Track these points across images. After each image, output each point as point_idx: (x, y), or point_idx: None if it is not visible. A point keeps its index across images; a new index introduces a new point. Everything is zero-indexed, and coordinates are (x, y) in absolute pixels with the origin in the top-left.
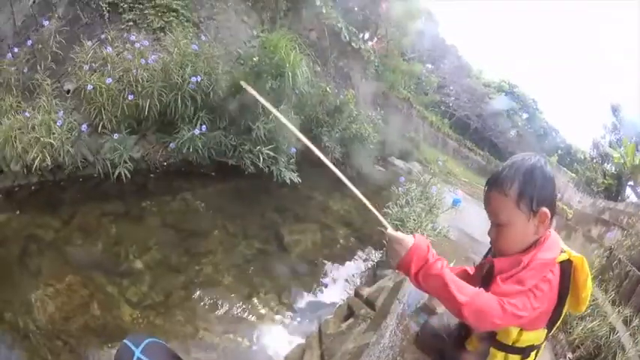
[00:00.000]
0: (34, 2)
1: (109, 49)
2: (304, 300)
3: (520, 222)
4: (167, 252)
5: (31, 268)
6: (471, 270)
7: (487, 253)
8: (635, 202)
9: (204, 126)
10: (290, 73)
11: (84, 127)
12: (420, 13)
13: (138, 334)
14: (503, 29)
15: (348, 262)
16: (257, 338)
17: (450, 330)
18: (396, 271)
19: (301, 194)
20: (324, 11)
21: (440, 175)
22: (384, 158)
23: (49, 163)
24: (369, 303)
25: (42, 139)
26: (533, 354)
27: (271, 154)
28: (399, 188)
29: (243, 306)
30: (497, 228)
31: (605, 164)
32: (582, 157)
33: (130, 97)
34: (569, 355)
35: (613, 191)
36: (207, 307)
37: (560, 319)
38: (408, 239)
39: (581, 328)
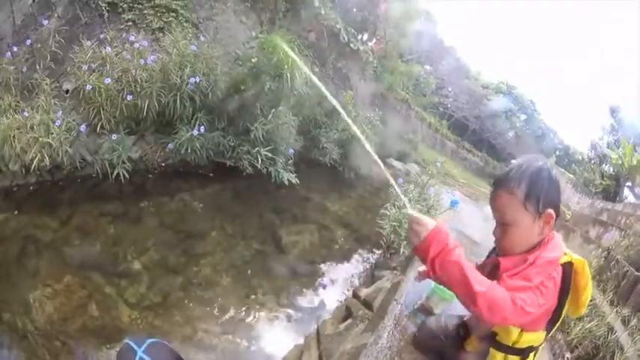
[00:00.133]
0: (33, 1)
1: (108, 49)
2: (302, 301)
3: (526, 222)
4: (165, 253)
5: (30, 269)
6: None
7: (490, 253)
8: (633, 203)
9: (202, 127)
10: (288, 74)
11: (82, 127)
12: (419, 13)
13: (139, 334)
14: (502, 30)
15: (346, 263)
16: (255, 339)
17: (448, 331)
18: (413, 254)
19: (299, 195)
20: (322, 12)
21: (438, 177)
22: (382, 159)
23: (48, 163)
24: (367, 304)
25: (40, 139)
26: (531, 355)
27: (269, 155)
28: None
29: (242, 307)
30: (503, 227)
31: (603, 165)
32: (580, 158)
33: (129, 97)
34: (568, 355)
35: (611, 192)
36: (205, 308)
37: (559, 321)
38: (429, 221)
39: (579, 328)
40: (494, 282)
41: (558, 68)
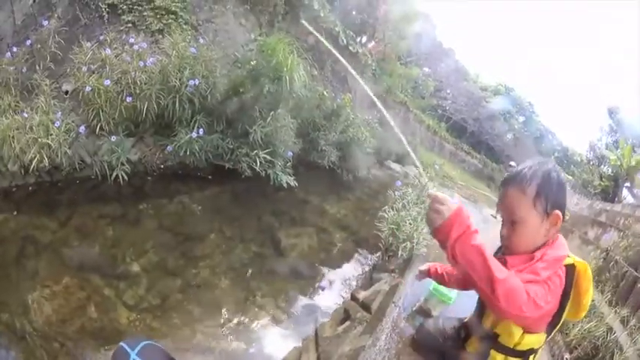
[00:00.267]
0: (34, 1)
1: (108, 50)
2: (301, 303)
3: (534, 221)
4: (164, 255)
5: (28, 270)
6: None
7: (496, 253)
8: (632, 204)
9: (201, 129)
10: (287, 77)
11: (82, 128)
12: (418, 16)
13: (135, 337)
14: (501, 31)
15: (344, 266)
16: (254, 341)
17: (446, 333)
18: (433, 236)
19: (298, 198)
20: (321, 15)
21: (436, 179)
22: (380, 162)
23: (47, 164)
24: (365, 306)
25: (40, 139)
26: (531, 357)
27: (268, 157)
28: (396, 192)
29: (240, 309)
30: (512, 225)
31: (602, 166)
32: (579, 160)
33: (128, 99)
34: (567, 355)
35: (609, 193)
36: (204, 310)
37: (560, 324)
38: (452, 202)
39: (578, 329)
40: (512, 271)
41: (557, 69)
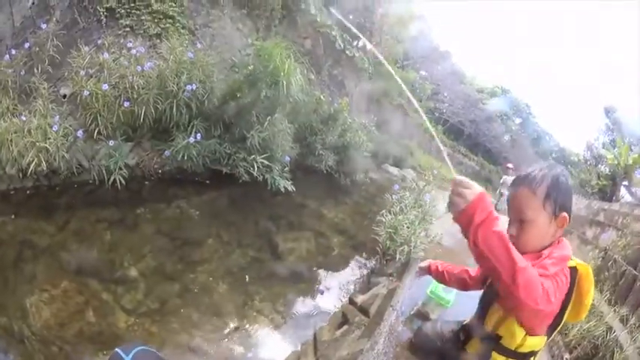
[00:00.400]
0: (33, 4)
1: (106, 54)
2: (299, 307)
3: (542, 221)
4: (162, 259)
5: (26, 273)
6: (472, 272)
7: None
8: (630, 202)
9: (199, 134)
10: (284, 82)
11: (79, 132)
12: (414, 19)
13: (131, 342)
14: (499, 32)
15: (342, 270)
16: (252, 346)
17: (444, 336)
18: (455, 220)
19: (295, 202)
20: (318, 19)
21: (434, 182)
22: (378, 165)
23: (45, 168)
24: (363, 310)
25: (38, 143)
26: (531, 359)
27: (265, 162)
28: (393, 196)
29: (239, 314)
30: (520, 225)
31: (599, 166)
32: (576, 160)
33: (126, 103)
34: (567, 356)
35: (607, 192)
36: (202, 315)
37: (560, 326)
38: (475, 185)
39: (577, 328)
40: (530, 263)
41: (557, 70)
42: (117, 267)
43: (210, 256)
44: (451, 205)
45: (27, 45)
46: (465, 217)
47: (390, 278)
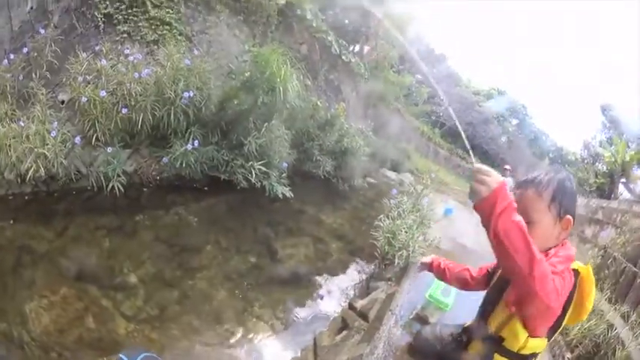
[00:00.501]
0: (31, 8)
1: (104, 61)
2: (299, 313)
3: (548, 222)
4: (161, 266)
5: (25, 279)
6: (473, 271)
7: None
8: (628, 199)
9: (196, 141)
10: (281, 88)
11: (77, 139)
12: (410, 23)
13: (134, 347)
14: (498, 32)
15: (341, 275)
16: (253, 352)
17: (444, 340)
18: (476, 209)
19: (293, 208)
20: (314, 25)
21: (432, 185)
22: (375, 170)
23: (43, 174)
24: (363, 315)
25: (36, 149)
26: None
27: (263, 168)
28: (391, 201)
29: (239, 320)
30: (527, 225)
31: (597, 164)
32: (573, 159)
33: (124, 110)
34: (568, 355)
35: (605, 190)
36: (202, 321)
37: (560, 327)
38: (497, 174)
39: (578, 328)
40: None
41: (554, 69)
42: (116, 273)
43: (209, 263)
44: (473, 193)
45: (25, 50)
46: (488, 205)
47: (389, 283)
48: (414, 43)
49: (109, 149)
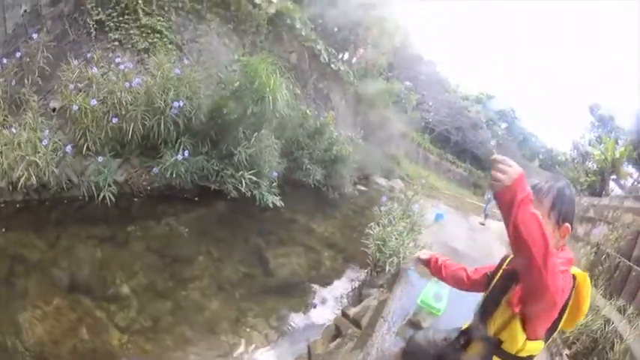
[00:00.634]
0: (25, 12)
1: (95, 69)
2: (292, 322)
3: (547, 229)
4: (153, 277)
5: (18, 289)
6: (469, 271)
7: (502, 262)
8: (619, 195)
9: (186, 151)
10: (271, 97)
11: (68, 148)
12: (398, 31)
13: (132, 358)
14: (496, 32)
15: (333, 283)
16: None
17: (437, 345)
18: (497, 198)
19: (284, 217)
20: (303, 33)
21: (423, 191)
22: (366, 177)
23: (35, 182)
24: (356, 322)
25: (27, 157)
26: None
27: (253, 178)
28: (381, 208)
29: (232, 330)
30: None
31: (587, 163)
32: (563, 159)
33: (114, 119)
34: (566, 351)
35: (596, 187)
36: (195, 332)
37: (556, 331)
38: (515, 164)
39: None
40: None
41: (553, 69)
42: (109, 284)
43: (201, 273)
44: (494, 183)
45: (18, 54)
46: (509, 195)
47: (381, 289)
48: (401, 50)
49: (100, 158)
